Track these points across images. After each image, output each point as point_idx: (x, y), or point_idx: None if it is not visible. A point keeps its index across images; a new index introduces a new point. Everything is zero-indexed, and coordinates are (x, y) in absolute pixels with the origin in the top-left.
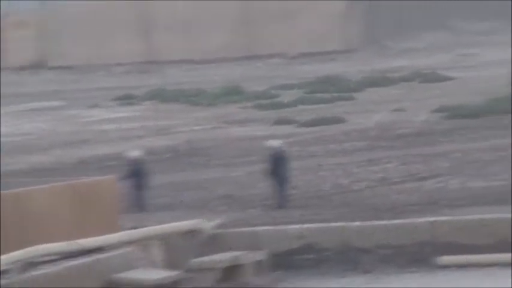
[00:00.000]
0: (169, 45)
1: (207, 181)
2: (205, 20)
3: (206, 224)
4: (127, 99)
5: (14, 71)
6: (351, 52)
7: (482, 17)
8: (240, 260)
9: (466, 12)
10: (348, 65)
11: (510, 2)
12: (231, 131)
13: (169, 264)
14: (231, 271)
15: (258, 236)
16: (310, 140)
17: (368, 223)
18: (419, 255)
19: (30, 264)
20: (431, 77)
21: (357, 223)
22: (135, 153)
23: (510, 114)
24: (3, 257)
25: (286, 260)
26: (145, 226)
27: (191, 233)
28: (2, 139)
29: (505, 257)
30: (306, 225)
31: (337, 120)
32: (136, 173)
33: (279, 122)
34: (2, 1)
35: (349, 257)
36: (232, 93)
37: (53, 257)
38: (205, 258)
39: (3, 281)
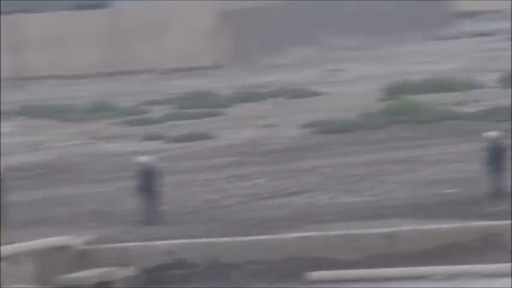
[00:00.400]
0: (40, 60)
1: (77, 197)
2: (76, 36)
3: (76, 240)
4: None
5: None
6: (221, 68)
7: (350, 32)
8: (110, 276)
9: (334, 27)
10: (217, 80)
11: (377, 18)
12: (101, 147)
13: (40, 281)
14: (100, 287)
15: (127, 252)
16: (180, 155)
17: (237, 239)
18: (288, 270)
19: None
20: (300, 93)
21: (227, 239)
22: None
23: (379, 129)
24: None
25: (156, 276)
26: (15, 242)
27: (61, 249)
28: None
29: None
30: (175, 241)
31: (206, 136)
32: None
33: (149, 137)
34: None
35: (219, 273)
36: (102, 109)
37: None
38: (75, 275)
39: None
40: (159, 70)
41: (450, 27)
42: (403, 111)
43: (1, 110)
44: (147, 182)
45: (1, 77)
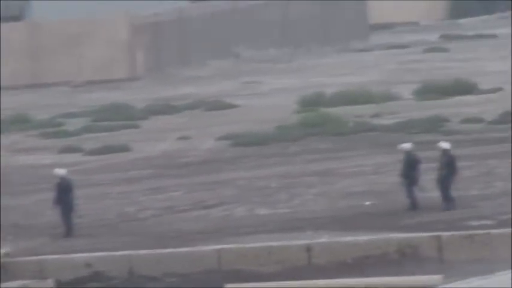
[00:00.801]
0: None
1: None
2: None
3: None
4: None
5: None
6: (137, 80)
7: (267, 44)
8: None
9: (251, 40)
10: (133, 93)
11: (294, 30)
12: (18, 160)
13: None
14: None
15: (46, 264)
16: (96, 168)
17: (154, 251)
18: (206, 283)
19: None
20: (216, 105)
21: (144, 251)
22: None
23: (295, 142)
24: None
25: None
26: None
27: None
28: None
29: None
30: (92, 254)
31: (122, 149)
32: None
33: (65, 150)
34: None
35: (136, 285)
36: (18, 122)
37: None
38: None
39: None
40: (75, 82)
41: (367, 40)
42: (319, 123)
43: None
44: (64, 194)
45: None
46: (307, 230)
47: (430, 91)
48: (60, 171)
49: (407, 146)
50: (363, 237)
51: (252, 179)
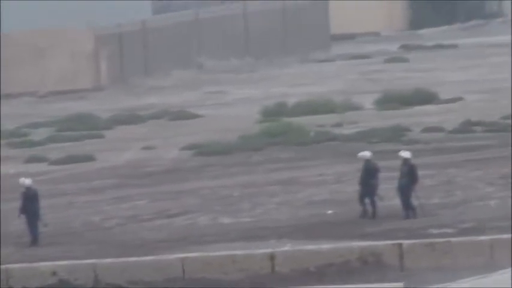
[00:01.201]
0: None
1: None
2: None
3: None
4: None
5: None
6: (101, 90)
7: (230, 55)
8: None
9: (213, 50)
10: (97, 103)
11: (257, 41)
12: None
13: None
14: None
15: (12, 273)
16: (61, 177)
17: (119, 259)
18: None
19: None
20: (179, 115)
21: (109, 260)
22: None
23: (258, 151)
24: None
25: None
26: None
27: None
28: None
29: None
30: (58, 262)
31: (87, 158)
32: None
33: (31, 160)
34: None
35: None
36: None
37: None
38: None
39: None
40: (40, 93)
41: (328, 50)
42: (281, 133)
43: None
44: (30, 204)
45: None
46: (271, 239)
47: (390, 101)
48: (26, 181)
49: (366, 154)
50: (325, 246)
51: (215, 188)
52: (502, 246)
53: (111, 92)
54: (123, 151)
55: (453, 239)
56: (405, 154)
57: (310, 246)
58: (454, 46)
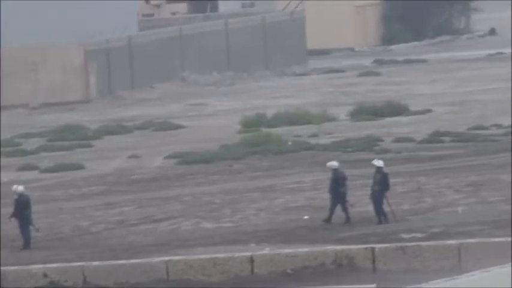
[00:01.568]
0: None
1: None
2: None
3: None
4: None
5: None
6: (89, 102)
7: (211, 69)
8: None
9: (195, 65)
10: (86, 114)
11: (237, 56)
12: None
13: None
14: None
15: (5, 275)
16: (52, 185)
17: (107, 262)
18: None
19: None
20: (164, 126)
21: (97, 262)
22: None
23: (238, 160)
24: None
25: None
26: None
27: None
28: None
29: None
30: (49, 265)
31: (77, 167)
32: None
33: (23, 168)
34: None
35: None
36: None
37: None
38: None
39: None
40: (32, 105)
41: (305, 64)
42: (261, 142)
43: None
44: (22, 209)
45: None
46: (250, 243)
47: (364, 112)
48: (19, 188)
49: (334, 164)
50: (302, 249)
51: (198, 194)
52: (469, 250)
53: (99, 104)
54: (110, 160)
55: (423, 243)
56: (378, 163)
57: (288, 250)
58: (424, 61)
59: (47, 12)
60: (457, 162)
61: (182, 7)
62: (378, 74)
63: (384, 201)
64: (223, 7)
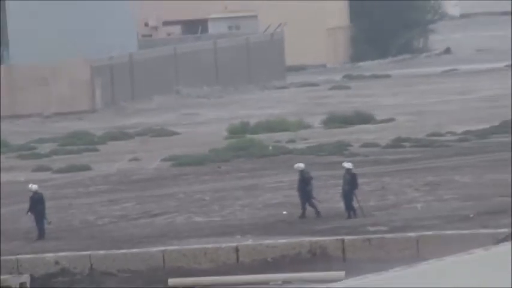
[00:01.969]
0: None
1: None
2: None
3: None
4: None
5: None
6: (95, 112)
7: (202, 83)
8: (8, 282)
9: (188, 79)
10: (92, 122)
11: (224, 71)
12: None
13: None
14: None
15: (21, 262)
16: (62, 184)
17: (111, 251)
18: (153, 278)
19: None
20: (161, 132)
21: (102, 251)
22: None
23: (225, 162)
24: None
25: (45, 283)
26: None
27: None
28: None
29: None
30: (60, 254)
31: (84, 168)
32: None
33: (38, 169)
34: None
35: (96, 280)
36: None
37: None
38: None
39: None
40: (45, 114)
41: (284, 79)
42: (245, 147)
43: None
44: (36, 205)
45: None
46: (236, 235)
47: (335, 121)
48: (33, 186)
49: (300, 165)
50: (281, 240)
51: (190, 192)
52: (427, 241)
53: (104, 113)
54: (114, 162)
55: (386, 235)
56: (348, 165)
57: (268, 241)
58: (388, 76)
59: (57, 33)
60: (416, 165)
61: (176, 29)
62: (347, 87)
63: (353, 198)
64: (212, 29)
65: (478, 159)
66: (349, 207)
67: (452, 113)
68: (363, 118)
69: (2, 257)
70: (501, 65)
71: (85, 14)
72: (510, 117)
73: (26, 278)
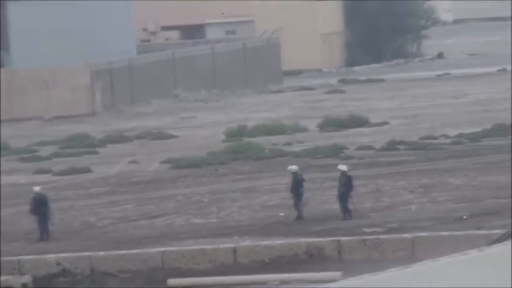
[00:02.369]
0: None
1: None
2: None
3: None
4: None
5: None
6: (95, 115)
7: (199, 87)
8: (9, 283)
9: (186, 83)
10: (92, 126)
11: (222, 75)
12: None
13: None
14: None
15: (23, 263)
16: (63, 186)
17: (111, 252)
18: (152, 278)
19: None
20: (159, 135)
21: (102, 252)
22: None
23: (223, 165)
24: None
25: (47, 283)
26: None
27: None
28: None
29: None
30: (61, 254)
31: (84, 170)
32: None
33: (39, 171)
34: None
35: (97, 280)
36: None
37: None
38: None
39: None
40: (45, 117)
41: (280, 83)
42: (242, 150)
43: None
44: (40, 206)
45: None
46: (234, 236)
47: (331, 124)
48: (36, 188)
49: (294, 167)
50: (278, 241)
51: (188, 194)
52: (421, 242)
53: (103, 116)
54: (113, 164)
55: (381, 236)
56: (343, 167)
57: (266, 242)
58: (382, 80)
59: (58, 37)
60: (410, 167)
61: (175, 34)
62: (342, 91)
63: (349, 200)
64: (209, 34)
65: (471, 161)
66: (344, 208)
67: (445, 116)
68: (358, 121)
69: (4, 258)
70: (493, 69)
71: (85, 19)
72: (502, 121)
73: (27, 279)
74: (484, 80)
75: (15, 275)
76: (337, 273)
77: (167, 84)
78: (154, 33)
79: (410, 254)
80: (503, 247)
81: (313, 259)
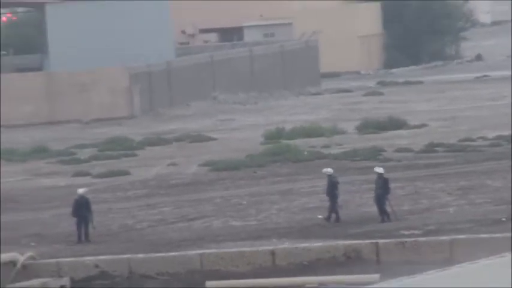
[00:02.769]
0: None
1: (21, 222)
2: (15, 90)
3: (19, 256)
4: None
5: None
6: (133, 118)
7: (238, 89)
8: (48, 285)
9: (225, 86)
10: (131, 128)
11: (260, 78)
12: (39, 182)
13: None
14: None
15: (62, 265)
16: (102, 188)
17: (150, 255)
18: (191, 280)
19: None
20: (198, 138)
21: (141, 255)
22: None
23: (261, 167)
24: None
25: (86, 285)
26: None
27: (8, 263)
28: None
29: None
30: (100, 257)
31: (123, 173)
32: None
33: (78, 174)
34: None
35: (135, 282)
36: (39, 152)
37: None
38: (20, 284)
39: None
40: (84, 120)
41: (319, 85)
42: (281, 152)
43: None
44: (82, 209)
45: None
46: (272, 238)
47: (369, 126)
48: (80, 190)
49: (329, 170)
50: (316, 244)
51: (227, 197)
52: (459, 245)
53: (142, 119)
54: (152, 167)
55: (420, 239)
56: (379, 170)
57: (304, 244)
58: (420, 82)
59: (96, 41)
60: (449, 169)
61: (213, 36)
62: (381, 93)
63: (386, 202)
64: (247, 36)
65: (510, 163)
66: (382, 211)
67: (484, 118)
68: (396, 124)
69: (43, 260)
70: None
71: (123, 22)
72: None
73: (66, 281)
74: None
75: (54, 277)
76: (375, 276)
77: (205, 87)
78: (192, 35)
79: (448, 256)
80: None
81: (351, 261)
